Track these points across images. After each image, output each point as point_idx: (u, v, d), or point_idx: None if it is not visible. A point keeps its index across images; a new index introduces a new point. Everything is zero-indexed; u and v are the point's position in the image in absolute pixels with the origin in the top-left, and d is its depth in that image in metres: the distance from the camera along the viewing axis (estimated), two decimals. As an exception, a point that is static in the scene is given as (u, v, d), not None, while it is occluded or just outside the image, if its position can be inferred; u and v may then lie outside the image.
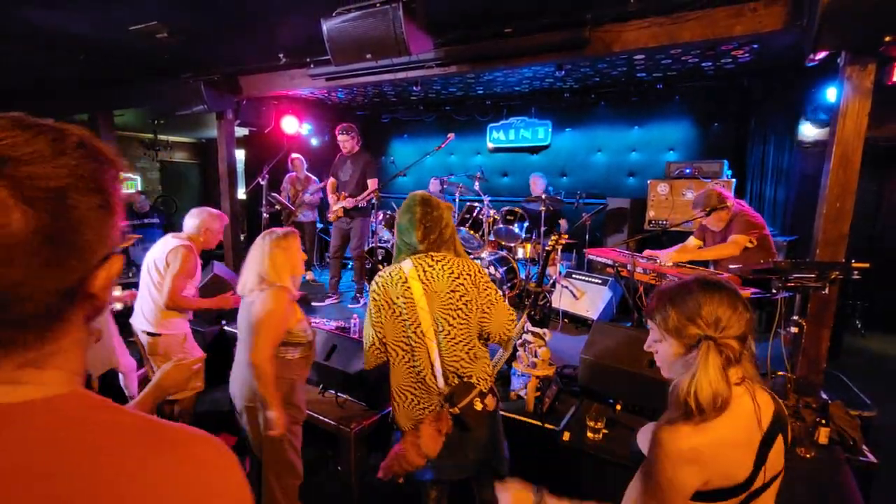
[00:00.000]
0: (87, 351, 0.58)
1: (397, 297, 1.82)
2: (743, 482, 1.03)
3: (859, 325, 4.78)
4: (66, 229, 0.48)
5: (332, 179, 5.00)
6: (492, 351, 2.06)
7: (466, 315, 1.80)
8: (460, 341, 1.81)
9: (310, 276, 6.23)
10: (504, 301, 1.91)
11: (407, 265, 1.84)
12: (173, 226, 8.12)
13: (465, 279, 1.80)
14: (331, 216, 4.98)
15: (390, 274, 1.87)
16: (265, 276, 2.08)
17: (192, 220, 2.94)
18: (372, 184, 4.73)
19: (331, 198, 4.99)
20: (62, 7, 3.37)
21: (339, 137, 4.81)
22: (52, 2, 3.27)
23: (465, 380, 1.81)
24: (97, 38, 3.98)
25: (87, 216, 0.50)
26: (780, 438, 1.07)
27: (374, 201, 4.60)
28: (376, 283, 1.89)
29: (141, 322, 2.89)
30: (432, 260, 1.83)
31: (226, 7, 3.36)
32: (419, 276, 1.81)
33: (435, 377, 1.81)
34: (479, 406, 1.79)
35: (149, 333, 2.87)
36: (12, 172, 0.46)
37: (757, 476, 1.04)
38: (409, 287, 1.81)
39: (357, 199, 4.76)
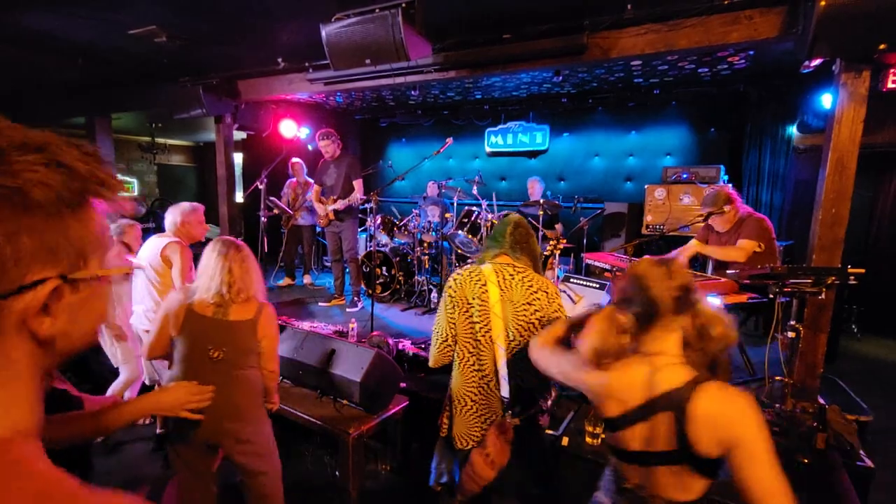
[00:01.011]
0: (37, 393, 0.50)
1: (473, 298, 1.82)
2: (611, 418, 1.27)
3: (855, 330, 4.80)
4: None
5: (316, 186, 5.02)
6: None
7: (536, 330, 1.79)
8: (527, 354, 1.81)
9: (308, 279, 6.22)
10: None
11: (487, 268, 1.84)
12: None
13: (542, 295, 1.81)
14: (321, 222, 5.00)
15: (469, 273, 1.86)
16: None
17: (168, 217, 2.99)
18: (357, 184, 4.74)
19: (317, 206, 5.01)
20: (61, 11, 3.38)
21: (321, 143, 4.84)
22: (51, 6, 3.28)
23: (528, 393, 1.81)
24: (96, 42, 3.98)
25: (4, 224, 0.42)
26: (664, 415, 1.15)
27: (371, 205, 4.59)
28: (454, 280, 1.88)
29: (142, 322, 2.95)
30: (513, 269, 1.84)
31: (225, 12, 3.37)
32: (498, 281, 1.81)
33: (499, 384, 1.79)
34: (541, 421, 1.79)
35: (148, 332, 2.89)
36: None
37: (622, 421, 1.23)
38: (486, 290, 1.80)
39: (352, 200, 4.77)
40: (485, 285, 1.81)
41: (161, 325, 1.94)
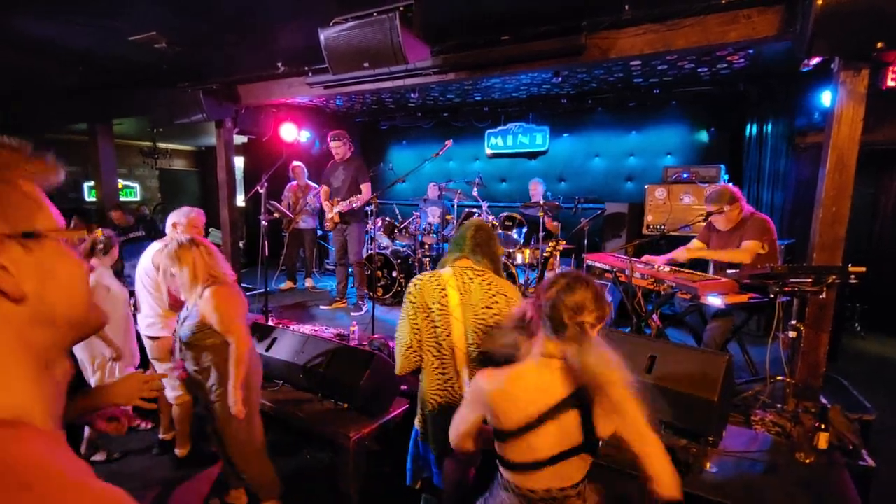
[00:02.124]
0: (32, 371, 0.51)
1: (433, 303, 1.84)
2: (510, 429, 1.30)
3: (859, 328, 4.78)
4: None
5: (324, 187, 5.03)
6: None
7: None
8: (488, 357, 1.80)
9: (309, 282, 6.23)
10: None
11: (447, 272, 1.86)
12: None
13: (500, 298, 1.82)
14: (328, 224, 5.01)
15: (429, 278, 1.88)
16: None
17: (168, 223, 3.03)
18: (365, 188, 4.75)
19: (325, 205, 5.02)
20: (62, 18, 3.40)
21: (332, 144, 4.85)
22: (51, 13, 3.30)
23: None
24: (96, 48, 4.01)
25: None
26: (573, 412, 1.27)
27: (371, 207, 4.60)
28: (414, 286, 1.90)
29: (142, 327, 3.00)
30: (473, 272, 1.85)
31: (224, 17, 3.39)
32: (457, 285, 1.82)
33: (462, 387, 1.81)
34: None
35: (150, 337, 2.99)
36: None
37: (530, 427, 1.27)
38: (445, 294, 1.82)
39: (353, 202, 4.77)
40: (444, 290, 1.83)
41: None
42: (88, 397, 1.28)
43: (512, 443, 1.30)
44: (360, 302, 4.99)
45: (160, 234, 6.44)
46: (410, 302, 1.89)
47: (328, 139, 4.87)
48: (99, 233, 3.01)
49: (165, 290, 2.76)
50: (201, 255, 2.20)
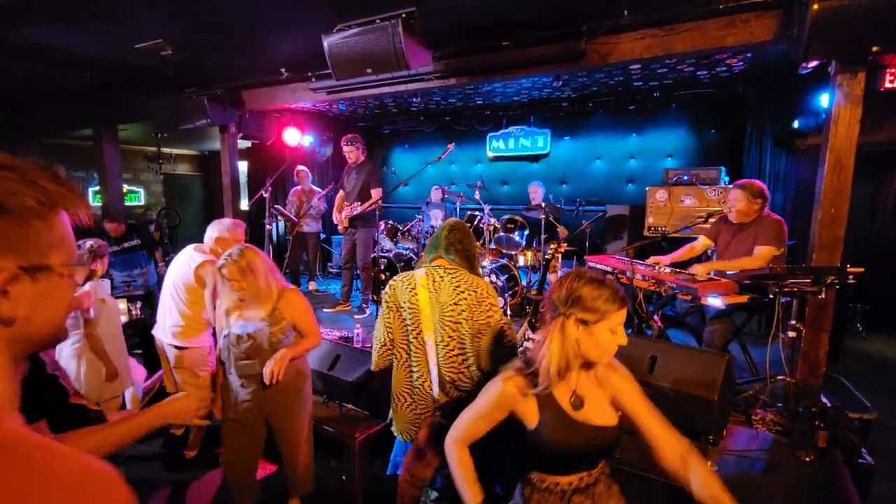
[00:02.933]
0: (8, 370, 0.57)
1: (404, 302, 1.90)
2: None
3: (860, 328, 4.79)
4: None
5: (340, 192, 5.07)
6: None
7: (462, 329, 1.85)
8: (457, 354, 1.86)
9: (312, 286, 6.28)
10: (506, 336, 1.89)
11: (420, 273, 1.93)
12: (175, 239, 8.18)
13: (469, 295, 1.85)
14: (340, 229, 5.08)
15: (403, 279, 1.95)
16: None
17: (208, 232, 2.93)
18: (375, 193, 4.79)
19: (334, 211, 5.08)
20: (70, 26, 3.47)
21: (344, 148, 4.90)
22: (59, 21, 3.37)
23: (464, 395, 1.85)
24: (103, 55, 4.07)
25: None
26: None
27: (377, 212, 4.65)
28: (390, 286, 1.98)
29: (167, 336, 2.90)
30: (444, 271, 1.90)
31: (229, 24, 3.44)
32: (428, 284, 1.88)
33: (431, 384, 1.86)
34: None
35: (176, 347, 2.88)
36: None
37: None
38: (416, 293, 1.88)
39: (354, 207, 4.82)
40: (414, 289, 1.89)
41: None
42: (141, 421, 1.26)
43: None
44: (364, 305, 5.02)
45: (156, 242, 6.47)
46: (385, 302, 1.97)
47: (342, 143, 4.94)
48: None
49: (210, 302, 2.73)
50: (266, 262, 2.21)
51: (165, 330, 2.90)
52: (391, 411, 2.05)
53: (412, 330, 1.89)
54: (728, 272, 3.01)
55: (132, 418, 1.28)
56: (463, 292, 1.85)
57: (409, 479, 1.84)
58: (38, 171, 0.59)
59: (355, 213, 4.82)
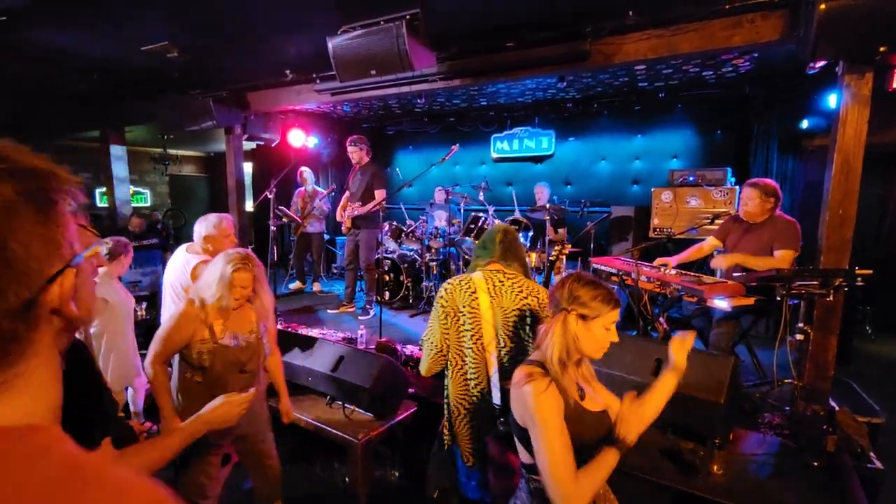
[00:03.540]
0: (59, 376, 0.56)
1: (463, 306, 1.84)
2: None
3: (869, 331, 4.74)
4: None
5: (346, 193, 5.10)
6: None
7: (527, 335, 1.80)
8: (519, 361, 1.82)
9: (317, 286, 6.29)
10: None
11: (477, 276, 1.87)
12: (181, 240, 8.22)
13: (532, 300, 1.82)
14: (343, 229, 5.11)
15: (460, 282, 1.89)
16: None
17: (195, 230, 2.88)
18: (378, 195, 4.79)
19: (338, 212, 5.10)
20: (77, 30, 3.50)
21: (349, 149, 4.92)
22: (66, 24, 3.39)
23: None
24: (110, 57, 4.10)
25: (15, 233, 0.48)
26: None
27: (380, 213, 4.65)
28: (444, 290, 1.91)
29: None
30: (503, 276, 1.86)
31: (234, 27, 3.46)
32: (488, 288, 1.83)
33: (491, 392, 1.79)
34: None
35: None
36: None
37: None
38: (476, 298, 1.82)
39: (355, 208, 4.83)
40: (475, 293, 1.83)
41: None
42: (187, 431, 1.29)
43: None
44: (368, 306, 5.03)
45: (169, 240, 6.54)
46: (441, 306, 1.88)
47: (346, 144, 4.97)
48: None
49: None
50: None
51: None
52: (445, 428, 1.93)
53: (472, 335, 1.82)
54: (735, 274, 2.99)
55: (178, 431, 1.31)
56: (526, 297, 1.81)
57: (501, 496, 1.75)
58: (22, 154, 0.55)
59: (356, 213, 4.84)
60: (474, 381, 1.84)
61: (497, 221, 2.15)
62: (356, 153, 4.89)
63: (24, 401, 0.50)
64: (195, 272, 2.70)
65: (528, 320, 1.80)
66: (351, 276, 5.21)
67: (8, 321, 0.48)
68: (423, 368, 1.95)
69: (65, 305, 0.54)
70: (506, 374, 1.79)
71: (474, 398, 1.84)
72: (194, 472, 2.07)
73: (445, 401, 1.93)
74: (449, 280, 1.94)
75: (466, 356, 1.84)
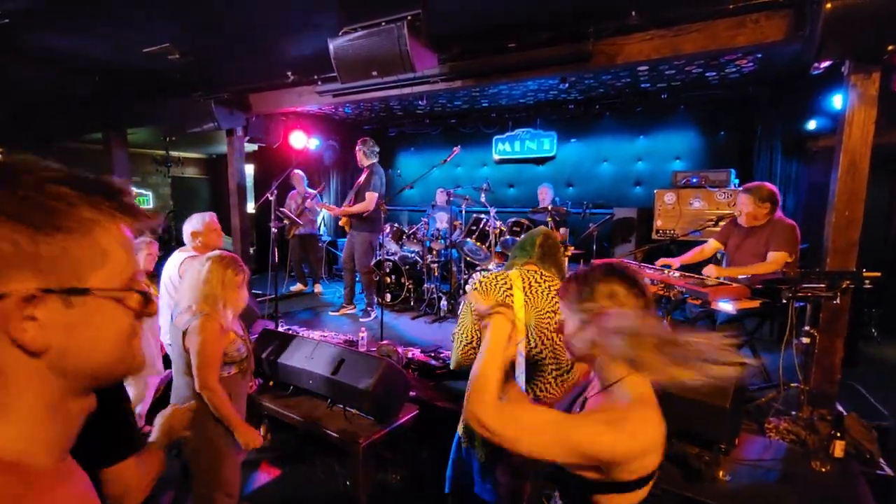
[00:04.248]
0: (45, 413, 0.52)
1: (497, 300, 1.81)
2: None
3: (875, 334, 4.69)
4: None
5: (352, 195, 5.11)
6: None
7: (557, 339, 1.77)
8: (549, 363, 1.79)
9: (318, 288, 6.27)
10: None
11: (514, 273, 1.86)
12: (181, 242, 8.24)
13: None
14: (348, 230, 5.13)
15: (496, 277, 1.87)
16: (195, 304, 2.02)
17: (185, 231, 3.01)
18: (369, 196, 4.77)
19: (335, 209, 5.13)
20: (79, 32, 3.49)
21: (356, 150, 4.95)
22: (69, 27, 3.39)
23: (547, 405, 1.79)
24: (112, 60, 4.10)
25: None
26: None
27: (380, 216, 4.63)
28: (479, 283, 1.89)
29: (164, 336, 2.98)
30: (541, 276, 1.85)
31: (235, 29, 3.45)
32: (524, 286, 1.82)
33: (518, 390, 1.77)
34: None
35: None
36: None
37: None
38: (511, 294, 1.81)
39: (344, 209, 4.86)
40: (510, 289, 1.82)
41: None
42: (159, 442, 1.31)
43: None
44: (369, 308, 5.00)
45: (171, 242, 6.56)
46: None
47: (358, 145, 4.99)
48: None
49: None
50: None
51: (165, 333, 2.95)
52: (462, 426, 1.89)
53: None
54: (740, 276, 2.95)
55: (157, 451, 1.32)
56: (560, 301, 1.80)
57: (507, 497, 1.74)
58: (72, 179, 0.52)
59: (335, 212, 4.85)
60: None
61: (541, 226, 2.10)
62: (357, 153, 4.91)
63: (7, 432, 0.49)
64: (181, 268, 2.82)
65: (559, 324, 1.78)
66: (349, 277, 5.17)
67: None
68: (454, 362, 1.91)
69: (10, 324, 0.48)
70: (532, 374, 1.76)
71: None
72: (226, 470, 2.08)
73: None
74: (483, 273, 1.93)
75: None
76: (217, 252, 2.10)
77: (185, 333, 2.00)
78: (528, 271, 1.87)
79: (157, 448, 1.28)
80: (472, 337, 1.86)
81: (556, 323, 1.76)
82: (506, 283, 1.84)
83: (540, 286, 1.82)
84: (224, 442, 2.05)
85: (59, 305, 0.50)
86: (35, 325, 0.49)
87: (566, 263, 2.00)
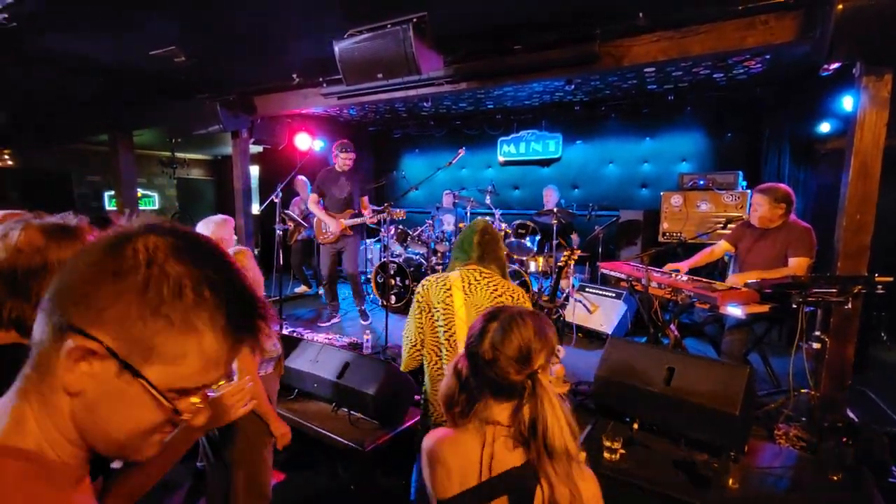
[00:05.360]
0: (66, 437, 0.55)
1: (438, 303, 1.87)
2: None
3: (885, 338, 4.63)
4: None
5: (314, 195, 4.67)
6: None
7: None
8: None
9: (321, 290, 6.27)
10: None
11: (454, 274, 1.90)
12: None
13: (507, 298, 1.84)
14: (330, 237, 4.65)
15: (436, 279, 1.92)
16: None
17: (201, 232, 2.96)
18: (364, 201, 4.72)
19: (327, 219, 4.60)
20: (85, 35, 3.51)
21: (342, 155, 4.58)
22: (74, 29, 3.40)
23: None
24: (118, 62, 4.12)
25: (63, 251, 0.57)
26: (502, 499, 1.02)
27: (385, 215, 4.61)
28: (422, 286, 1.94)
29: None
30: (479, 274, 1.88)
31: (241, 31, 3.45)
32: (463, 286, 1.86)
33: None
34: None
35: None
36: None
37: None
38: (450, 294, 1.85)
39: (366, 218, 4.70)
40: (450, 290, 1.86)
41: None
42: (180, 439, 1.19)
43: None
44: (366, 310, 4.97)
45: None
46: (417, 302, 1.93)
47: (338, 149, 4.63)
48: None
49: None
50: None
51: None
52: (424, 418, 1.96)
53: (445, 331, 1.85)
54: (750, 280, 2.92)
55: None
56: (501, 296, 1.83)
57: None
58: (220, 286, 0.54)
59: (367, 221, 4.70)
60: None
61: (478, 220, 2.10)
62: (350, 158, 4.62)
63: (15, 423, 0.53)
64: None
65: None
66: (333, 291, 4.96)
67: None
68: (402, 364, 1.99)
69: (65, 357, 0.51)
70: None
71: None
72: (265, 472, 2.07)
73: (423, 396, 1.95)
74: (427, 277, 1.97)
75: (441, 352, 1.87)
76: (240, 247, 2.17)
77: None
78: (468, 271, 1.90)
79: (193, 429, 1.14)
80: (416, 340, 1.92)
81: None
82: (445, 284, 1.88)
83: (479, 283, 1.86)
84: (262, 441, 2.06)
85: (112, 368, 0.52)
86: (85, 370, 0.51)
87: (505, 255, 2.00)
